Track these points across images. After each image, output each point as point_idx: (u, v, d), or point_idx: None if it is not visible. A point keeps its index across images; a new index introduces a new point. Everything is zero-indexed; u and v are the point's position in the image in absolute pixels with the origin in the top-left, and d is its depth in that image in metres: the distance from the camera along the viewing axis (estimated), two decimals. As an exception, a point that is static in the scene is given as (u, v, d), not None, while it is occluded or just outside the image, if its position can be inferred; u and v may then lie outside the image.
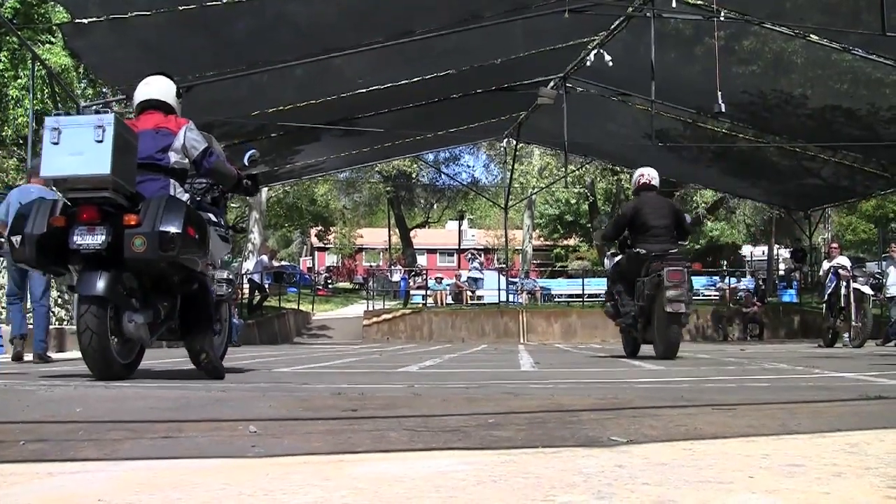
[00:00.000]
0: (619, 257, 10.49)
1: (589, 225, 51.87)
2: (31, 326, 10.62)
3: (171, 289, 6.09)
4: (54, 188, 5.89)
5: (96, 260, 5.47)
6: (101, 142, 5.31)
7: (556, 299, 35.01)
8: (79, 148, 5.35)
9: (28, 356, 10.29)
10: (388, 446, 2.64)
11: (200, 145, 6.18)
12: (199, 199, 6.55)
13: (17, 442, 2.69)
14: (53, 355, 11.29)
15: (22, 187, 10.67)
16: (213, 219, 6.55)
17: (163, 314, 6.00)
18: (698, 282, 37.72)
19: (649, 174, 10.48)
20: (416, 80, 17.98)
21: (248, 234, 35.26)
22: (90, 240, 5.41)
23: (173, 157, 6.12)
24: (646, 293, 9.56)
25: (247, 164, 6.94)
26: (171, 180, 6.10)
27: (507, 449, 2.56)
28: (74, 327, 9.71)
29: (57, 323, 15.61)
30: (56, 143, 5.13)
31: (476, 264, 35.09)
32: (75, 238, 5.43)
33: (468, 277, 33.84)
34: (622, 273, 10.34)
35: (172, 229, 5.47)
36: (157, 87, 6.48)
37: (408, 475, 2.12)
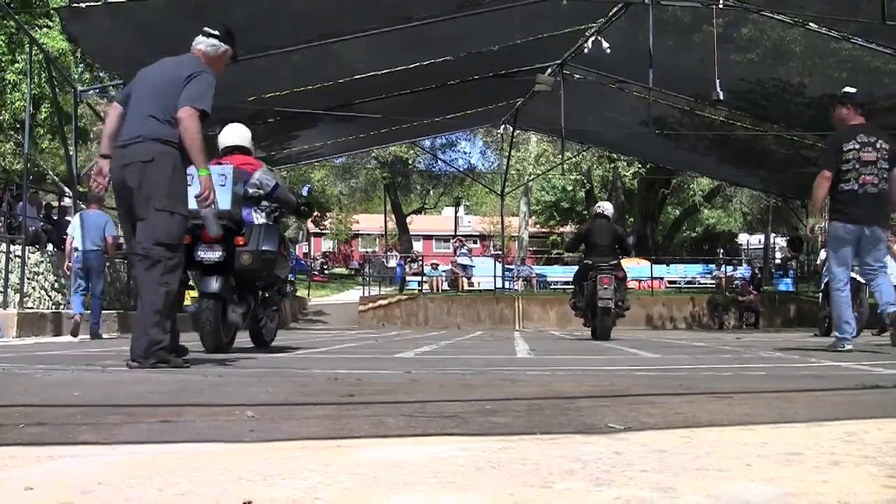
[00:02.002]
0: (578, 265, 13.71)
1: (585, 212, 51.83)
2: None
3: (256, 289, 8.21)
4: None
5: (211, 268, 7.38)
6: (223, 186, 7.11)
7: (552, 286, 34.98)
8: None
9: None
10: (387, 432, 2.65)
11: (271, 182, 8.21)
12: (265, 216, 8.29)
13: (16, 425, 2.69)
14: (52, 339, 11.62)
15: (85, 212, 13.80)
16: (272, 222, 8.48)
17: (251, 307, 8.12)
18: (694, 269, 37.85)
19: (604, 207, 14.04)
20: (413, 66, 17.96)
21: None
22: (210, 255, 7.34)
23: (250, 190, 8.03)
24: (587, 293, 12.76)
25: (304, 194, 9.55)
26: (251, 207, 8.04)
27: (505, 435, 2.56)
28: (70, 311, 11.37)
29: (53, 307, 15.62)
30: (190, 185, 6.06)
31: (464, 250, 35.08)
32: (199, 253, 7.31)
33: (458, 264, 33.87)
34: (578, 277, 13.67)
35: (271, 248, 7.82)
36: (239, 135, 8.55)
37: (406, 461, 2.13)
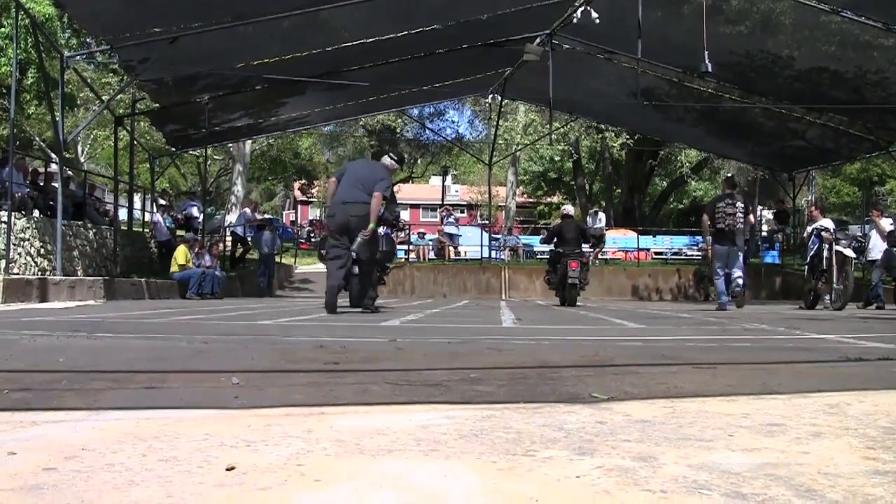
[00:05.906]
0: (551, 252, 17.83)
1: (573, 182, 51.69)
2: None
3: (377, 269, 12.91)
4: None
5: (356, 261, 11.19)
6: None
7: (539, 256, 34.96)
8: None
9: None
10: (370, 399, 2.65)
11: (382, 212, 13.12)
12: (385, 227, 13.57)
13: (1, 391, 2.69)
14: (38, 305, 11.62)
15: (265, 234, 25.98)
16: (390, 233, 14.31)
17: (374, 281, 12.12)
18: (681, 241, 37.90)
19: (568, 209, 18.28)
20: (402, 34, 17.84)
21: (232, 187, 35.31)
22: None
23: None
24: (560, 273, 16.50)
25: (397, 212, 15.18)
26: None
27: (488, 404, 2.57)
28: (56, 278, 11.67)
29: (39, 273, 15.57)
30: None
31: (451, 219, 35.07)
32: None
33: (445, 232, 33.86)
34: (552, 261, 17.63)
35: (391, 250, 14.35)
36: None
37: (389, 428, 2.13)
